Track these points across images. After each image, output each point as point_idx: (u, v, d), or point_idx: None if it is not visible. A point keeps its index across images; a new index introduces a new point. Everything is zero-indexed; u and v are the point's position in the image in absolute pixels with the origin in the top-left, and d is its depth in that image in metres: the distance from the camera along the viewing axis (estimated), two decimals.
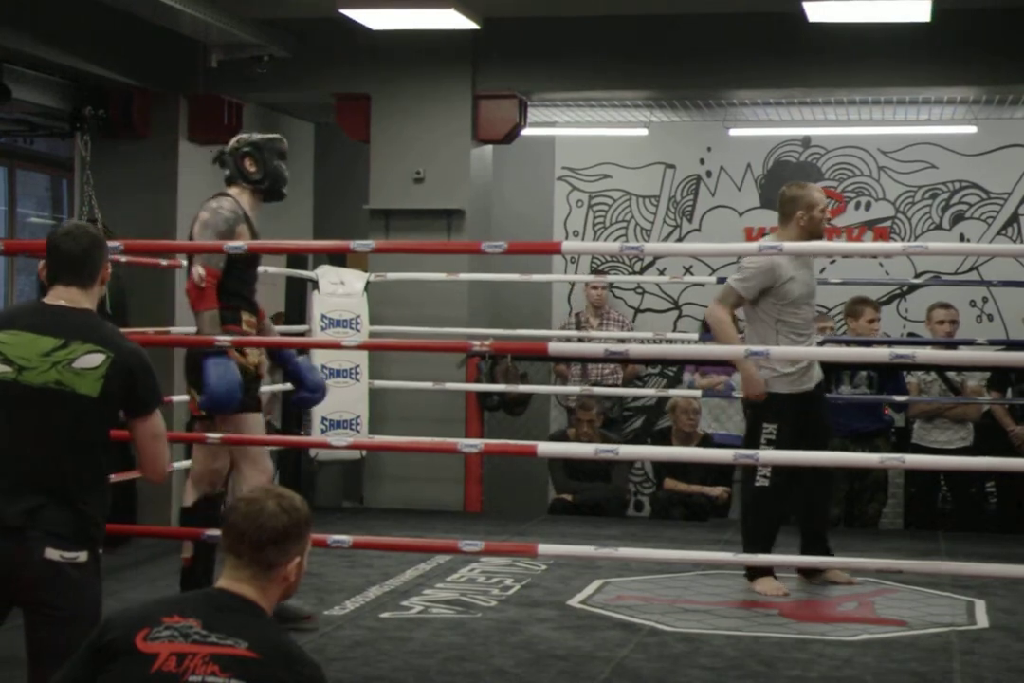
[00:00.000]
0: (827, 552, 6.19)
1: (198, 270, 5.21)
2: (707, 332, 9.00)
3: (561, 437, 8.69)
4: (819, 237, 6.12)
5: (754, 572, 6.01)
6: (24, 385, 3.40)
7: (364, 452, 7.96)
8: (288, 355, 5.57)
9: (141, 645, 2.52)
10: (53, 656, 3.19)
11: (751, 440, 6.05)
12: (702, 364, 9.01)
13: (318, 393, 5.65)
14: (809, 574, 6.18)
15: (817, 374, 6.15)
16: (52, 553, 3.28)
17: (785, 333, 5.98)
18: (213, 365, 5.13)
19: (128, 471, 6.97)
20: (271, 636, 2.60)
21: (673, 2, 8.06)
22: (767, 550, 5.94)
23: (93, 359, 3.43)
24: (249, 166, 5.44)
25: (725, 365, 8.75)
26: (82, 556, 3.34)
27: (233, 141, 5.54)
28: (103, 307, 7.92)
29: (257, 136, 5.57)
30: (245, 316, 5.42)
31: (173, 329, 7.50)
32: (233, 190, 5.47)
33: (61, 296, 3.56)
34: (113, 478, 6.51)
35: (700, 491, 8.44)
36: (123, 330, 3.80)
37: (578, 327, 9.54)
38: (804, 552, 6.14)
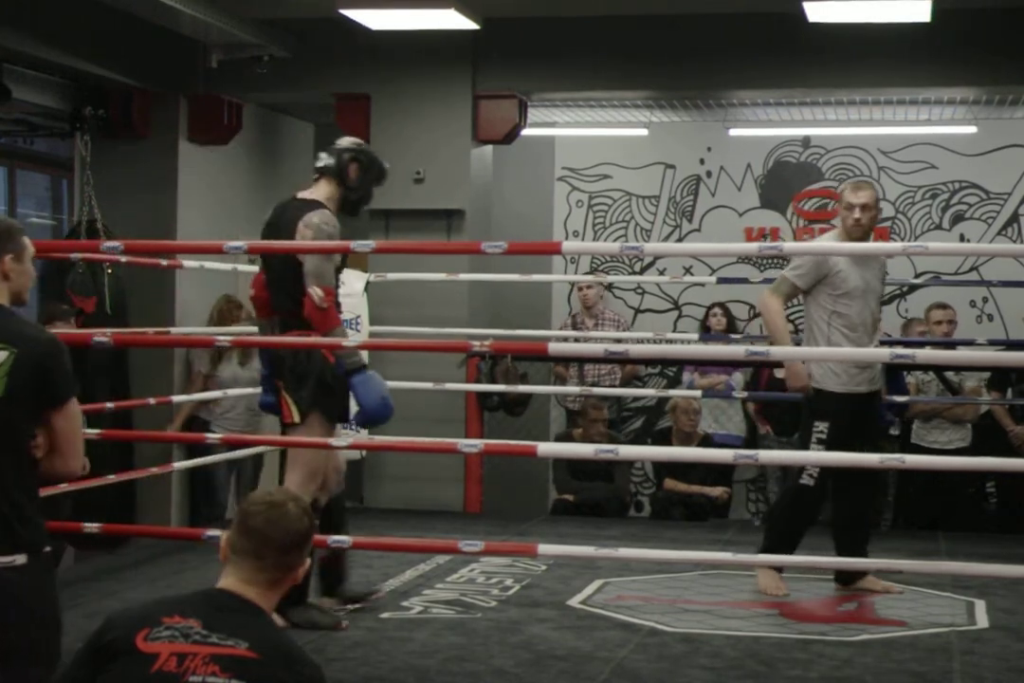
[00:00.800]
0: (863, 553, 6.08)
1: (316, 292, 5.17)
2: (707, 332, 9.03)
3: (566, 437, 8.68)
4: (858, 238, 5.96)
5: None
6: None
7: (364, 452, 7.96)
8: (342, 367, 5.35)
9: (141, 645, 2.52)
10: (21, 658, 3.17)
11: (804, 438, 6.00)
12: (701, 364, 9.00)
13: (365, 415, 5.38)
14: (846, 581, 6.09)
15: (876, 378, 6.05)
16: None
17: (838, 326, 5.91)
18: (359, 383, 5.17)
19: (127, 471, 7.03)
20: (271, 636, 2.60)
21: (673, 2, 8.06)
22: (791, 550, 5.90)
23: None
24: (352, 172, 5.39)
25: (724, 365, 8.76)
26: (20, 559, 3.23)
27: (350, 141, 5.50)
28: (123, 309, 7.97)
29: (375, 154, 5.50)
30: (268, 320, 5.44)
31: (173, 329, 7.51)
32: (321, 187, 5.39)
33: None
34: (112, 478, 6.59)
35: (700, 491, 8.44)
36: (124, 330, 3.79)
37: (575, 329, 9.54)
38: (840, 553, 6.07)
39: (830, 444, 5.84)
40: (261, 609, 2.66)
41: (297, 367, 5.28)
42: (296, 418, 5.29)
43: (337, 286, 5.38)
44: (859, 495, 6.17)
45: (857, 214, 5.91)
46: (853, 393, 5.96)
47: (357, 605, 5.59)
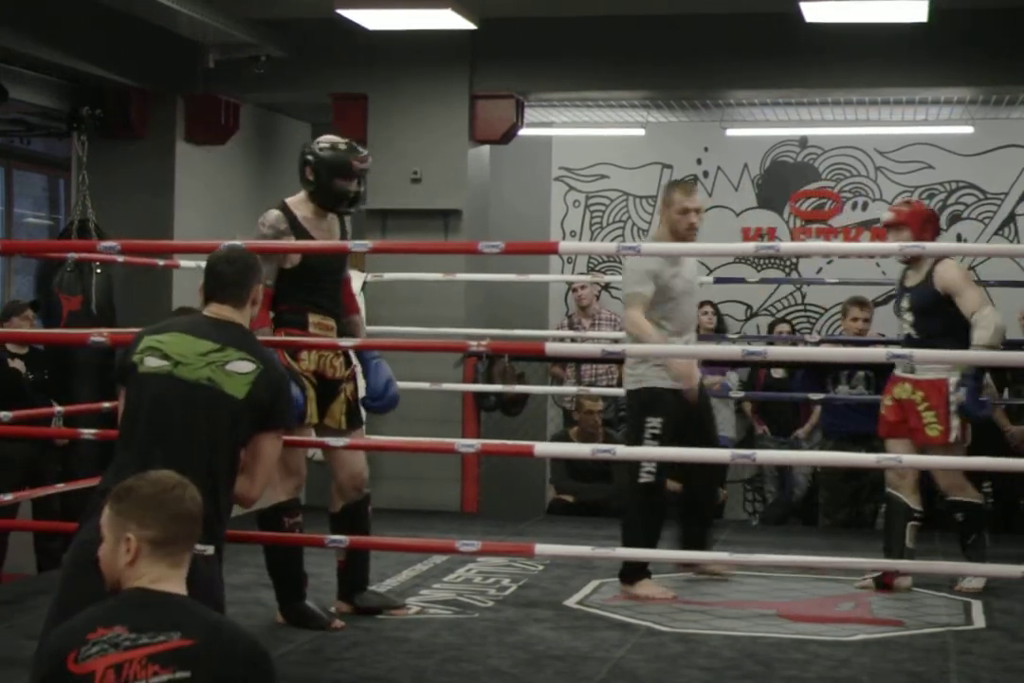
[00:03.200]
0: (706, 547, 6.24)
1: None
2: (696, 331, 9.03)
3: (563, 437, 8.68)
4: (683, 238, 6.07)
5: (630, 576, 5.96)
6: (178, 378, 3.73)
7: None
8: (362, 356, 5.46)
9: (74, 668, 2.46)
10: None
11: (635, 435, 6.03)
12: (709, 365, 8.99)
13: (378, 402, 5.45)
14: (690, 565, 6.32)
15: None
16: None
17: (668, 329, 6.02)
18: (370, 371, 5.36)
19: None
20: (199, 619, 2.57)
21: (670, 2, 8.06)
22: (655, 543, 5.96)
23: (245, 366, 3.77)
24: (308, 175, 5.39)
25: (717, 365, 8.75)
26: (209, 550, 3.49)
27: (308, 144, 5.49)
28: (110, 309, 7.98)
29: (324, 147, 5.41)
30: (315, 318, 5.38)
31: None
32: (302, 193, 5.44)
33: (217, 311, 3.95)
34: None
35: None
36: (108, 330, 3.91)
37: (572, 329, 9.54)
38: (684, 547, 6.20)
39: (663, 439, 5.93)
40: (180, 596, 2.63)
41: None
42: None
43: (335, 281, 5.45)
44: (702, 486, 6.35)
45: (693, 218, 6.04)
46: (676, 388, 6.06)
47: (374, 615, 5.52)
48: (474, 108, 8.62)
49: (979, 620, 5.59)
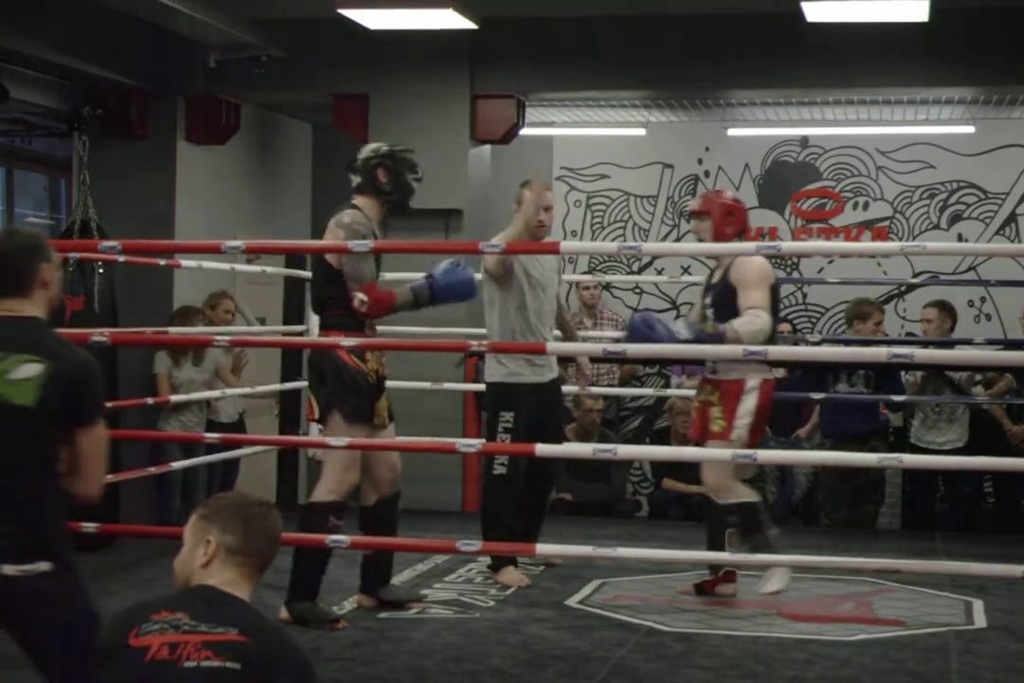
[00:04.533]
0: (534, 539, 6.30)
1: (357, 295, 5.38)
2: None
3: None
4: (533, 236, 6.27)
5: (497, 562, 6.21)
6: None
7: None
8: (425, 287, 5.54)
9: (133, 641, 2.59)
10: (58, 660, 3.22)
11: (490, 428, 6.26)
12: (690, 364, 8.98)
13: (453, 290, 5.55)
14: (495, 568, 6.30)
15: (550, 367, 6.41)
16: (7, 569, 3.19)
17: (523, 318, 6.32)
18: (439, 288, 5.44)
19: (116, 473, 7.03)
20: (258, 622, 2.69)
21: (671, 2, 8.06)
22: (506, 538, 6.04)
23: (29, 369, 3.30)
24: (382, 177, 5.52)
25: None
26: (43, 566, 3.23)
27: (367, 150, 5.61)
28: (113, 308, 7.99)
29: (389, 147, 5.62)
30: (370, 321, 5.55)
31: (172, 329, 7.50)
32: (360, 200, 5.55)
33: (5, 307, 3.42)
34: (110, 478, 6.58)
35: (698, 491, 8.41)
36: (113, 330, 3.76)
37: None
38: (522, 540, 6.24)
39: (517, 433, 6.11)
40: (243, 600, 2.75)
41: (317, 366, 5.43)
42: (316, 415, 5.46)
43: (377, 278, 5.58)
44: (541, 482, 6.49)
45: (542, 216, 6.26)
46: (530, 383, 6.27)
47: (394, 610, 5.59)
48: (475, 108, 8.61)
49: (980, 620, 5.59)
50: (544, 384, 6.36)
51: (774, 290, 5.76)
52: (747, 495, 5.67)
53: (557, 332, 6.67)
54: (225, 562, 2.76)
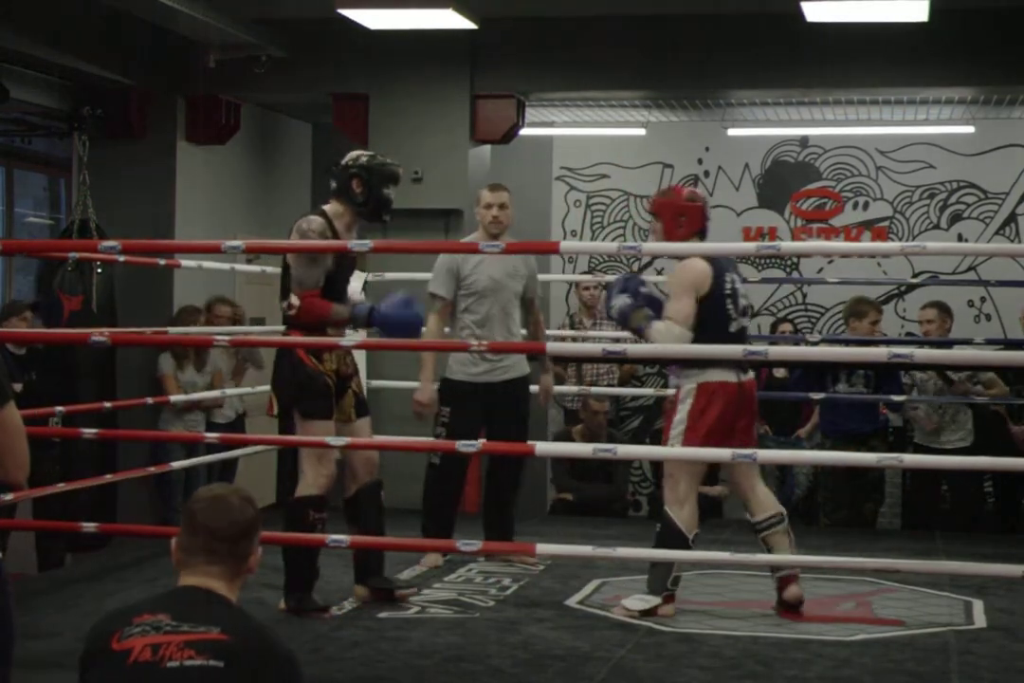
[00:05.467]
0: (508, 537, 6.49)
1: (291, 299, 5.41)
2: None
3: (564, 436, 8.67)
4: (491, 234, 6.45)
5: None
6: None
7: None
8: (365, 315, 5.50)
9: (115, 645, 2.59)
10: None
11: (434, 423, 6.47)
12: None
13: (392, 324, 5.49)
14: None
15: (508, 368, 6.49)
16: None
17: (467, 322, 6.46)
18: (380, 318, 5.39)
19: (113, 472, 7.04)
20: (241, 621, 2.66)
21: (671, 2, 8.06)
22: (447, 527, 6.37)
23: None
24: (355, 187, 5.52)
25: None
26: None
27: (348, 157, 5.62)
28: (112, 308, 8.00)
29: (368, 158, 5.59)
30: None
31: (171, 329, 7.51)
32: (332, 205, 5.56)
33: None
34: (109, 478, 6.59)
35: (699, 491, 8.41)
36: (113, 330, 3.67)
37: (573, 328, 9.53)
38: (488, 537, 6.37)
39: (453, 427, 6.28)
40: (227, 598, 2.72)
41: (276, 364, 5.56)
42: (275, 411, 5.58)
43: (344, 287, 5.60)
44: (504, 479, 6.62)
45: (495, 212, 6.46)
46: (475, 381, 6.42)
47: (387, 601, 5.69)
48: (475, 108, 8.61)
49: (980, 620, 5.59)
50: (494, 384, 6.47)
51: (712, 297, 5.51)
52: (688, 524, 5.51)
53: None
54: (191, 561, 2.73)
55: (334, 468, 5.60)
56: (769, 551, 5.64)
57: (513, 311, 6.58)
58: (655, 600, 5.49)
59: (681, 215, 5.65)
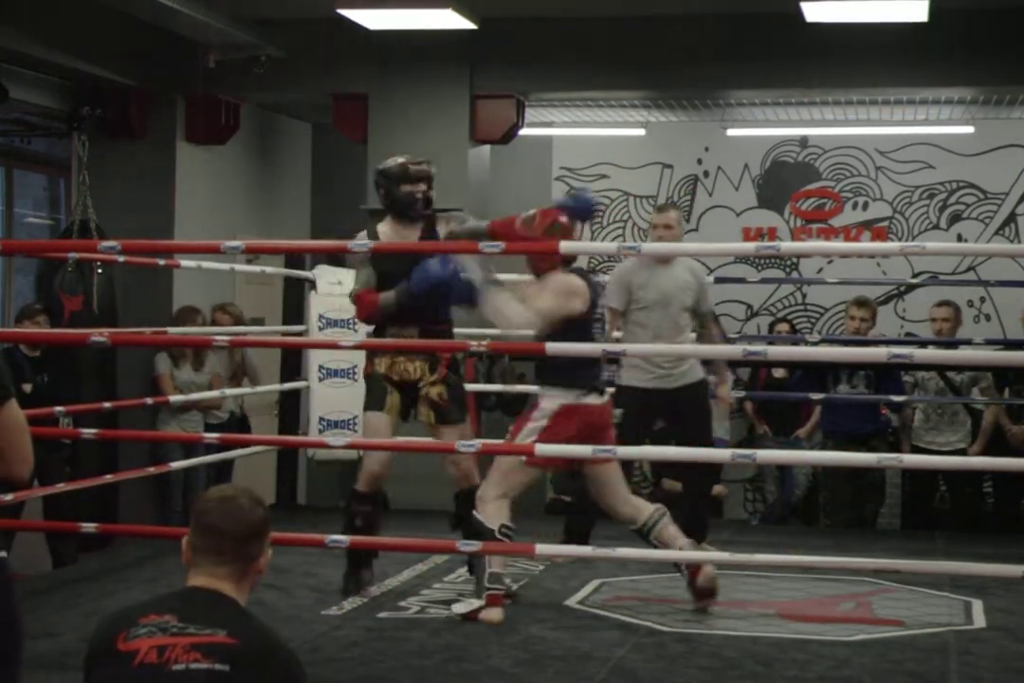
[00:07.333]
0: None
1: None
2: None
3: None
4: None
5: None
6: None
7: (361, 452, 7.95)
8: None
9: (121, 646, 2.57)
10: None
11: None
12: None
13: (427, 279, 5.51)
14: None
15: (680, 375, 6.49)
16: None
17: (638, 335, 6.52)
18: (417, 283, 5.48)
19: (116, 473, 7.04)
20: (247, 624, 2.65)
21: (670, 2, 8.06)
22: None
23: None
24: (381, 195, 5.84)
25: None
26: None
27: (376, 169, 5.92)
28: (112, 309, 8.00)
29: (387, 163, 5.85)
30: (392, 329, 5.82)
31: (171, 329, 7.51)
32: (384, 217, 5.90)
33: None
34: (109, 478, 6.59)
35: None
36: (113, 330, 3.67)
37: None
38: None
39: (621, 429, 6.26)
40: (234, 600, 2.70)
41: None
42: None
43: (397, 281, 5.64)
44: (690, 488, 6.86)
45: (660, 232, 6.61)
46: (647, 388, 6.53)
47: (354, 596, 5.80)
48: (474, 108, 8.61)
49: (979, 620, 5.59)
50: (668, 390, 6.59)
51: (584, 319, 5.48)
52: (494, 521, 5.43)
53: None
54: (198, 563, 2.71)
55: (375, 467, 5.78)
56: (666, 547, 5.56)
57: (683, 323, 6.62)
58: (477, 602, 5.48)
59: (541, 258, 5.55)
